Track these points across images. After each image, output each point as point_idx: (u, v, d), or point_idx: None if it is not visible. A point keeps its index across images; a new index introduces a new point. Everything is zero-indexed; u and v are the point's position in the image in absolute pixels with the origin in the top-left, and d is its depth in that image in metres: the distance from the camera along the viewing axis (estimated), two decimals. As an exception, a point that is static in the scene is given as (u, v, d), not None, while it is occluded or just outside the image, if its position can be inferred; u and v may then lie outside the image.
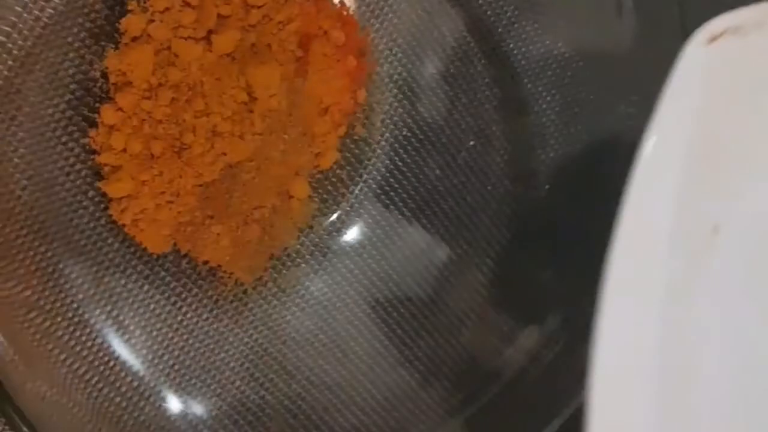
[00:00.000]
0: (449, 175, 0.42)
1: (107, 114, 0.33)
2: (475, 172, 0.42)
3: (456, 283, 0.41)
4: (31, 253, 0.33)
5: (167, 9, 0.33)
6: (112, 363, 0.35)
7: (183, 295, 0.37)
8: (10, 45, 0.31)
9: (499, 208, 0.42)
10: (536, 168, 0.41)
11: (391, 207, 0.41)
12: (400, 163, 0.41)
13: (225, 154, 0.35)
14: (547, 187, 0.40)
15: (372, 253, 0.40)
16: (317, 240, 0.39)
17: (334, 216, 0.39)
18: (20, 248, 0.33)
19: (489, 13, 0.40)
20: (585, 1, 0.37)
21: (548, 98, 0.40)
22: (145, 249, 0.35)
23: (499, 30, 0.41)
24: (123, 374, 0.35)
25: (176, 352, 0.37)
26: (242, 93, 0.34)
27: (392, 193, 0.41)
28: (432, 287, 0.41)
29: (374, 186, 0.41)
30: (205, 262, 0.37)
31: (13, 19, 0.31)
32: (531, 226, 0.40)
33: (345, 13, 0.37)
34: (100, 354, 0.35)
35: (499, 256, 0.41)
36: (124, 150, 0.33)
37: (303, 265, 0.39)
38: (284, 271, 0.39)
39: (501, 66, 0.41)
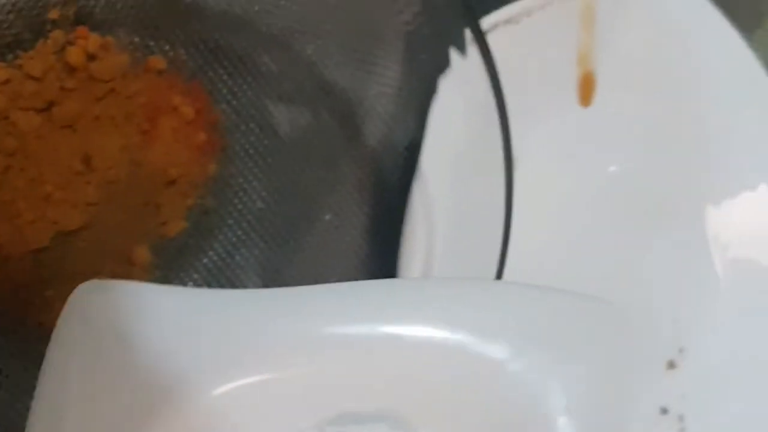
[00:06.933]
0: (304, 248, 0.42)
1: (-62, 178, 0.33)
2: (330, 247, 0.42)
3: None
4: None
5: (8, 81, 0.34)
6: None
7: (17, 356, 0.37)
8: None
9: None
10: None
11: (241, 278, 0.41)
12: (253, 235, 0.41)
13: (56, 222, 0.35)
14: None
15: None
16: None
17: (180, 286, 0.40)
18: None
19: (348, 97, 0.41)
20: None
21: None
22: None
23: (359, 114, 0.41)
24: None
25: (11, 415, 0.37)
26: (78, 163, 0.35)
27: (243, 264, 0.41)
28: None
29: (225, 256, 0.41)
30: (39, 324, 0.37)
31: None
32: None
33: (197, 89, 0.38)
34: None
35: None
36: (-45, 214, 0.34)
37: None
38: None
39: (362, 145, 0.42)
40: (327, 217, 0.42)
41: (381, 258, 0.43)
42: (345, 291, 0.29)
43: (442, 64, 0.38)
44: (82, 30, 0.35)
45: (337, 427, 0.26)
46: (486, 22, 0.39)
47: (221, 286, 0.41)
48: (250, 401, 0.26)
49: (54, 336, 0.27)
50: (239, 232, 0.41)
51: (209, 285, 0.41)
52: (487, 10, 0.41)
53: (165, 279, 0.40)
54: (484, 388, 0.27)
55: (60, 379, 0.27)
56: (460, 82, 0.38)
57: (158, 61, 0.37)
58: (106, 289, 0.28)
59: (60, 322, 0.27)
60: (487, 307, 0.29)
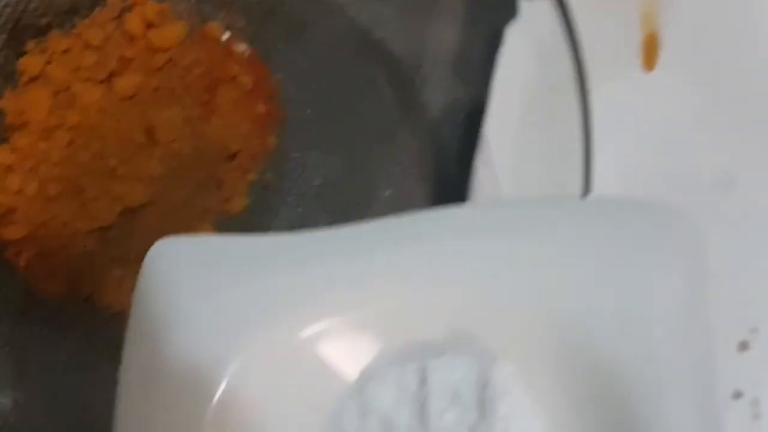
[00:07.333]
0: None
1: (2, 155, 0.32)
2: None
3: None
4: None
5: (67, 50, 0.33)
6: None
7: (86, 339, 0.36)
8: None
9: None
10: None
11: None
12: (313, 212, 0.40)
13: (123, 197, 0.34)
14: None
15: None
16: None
17: (244, 262, 0.39)
18: None
19: (406, 64, 0.40)
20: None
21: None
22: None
23: (417, 82, 0.40)
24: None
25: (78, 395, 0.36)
26: (142, 136, 0.34)
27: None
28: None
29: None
30: (108, 307, 0.36)
31: None
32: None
33: (255, 58, 0.37)
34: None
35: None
36: (20, 191, 0.33)
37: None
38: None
39: (420, 115, 0.41)
40: (387, 192, 0.41)
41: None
42: (414, 219, 0.28)
43: (509, 15, 0.36)
44: (139, -5, 0.34)
45: (418, 361, 0.24)
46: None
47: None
48: (333, 341, 0.25)
49: (135, 298, 0.26)
50: (299, 209, 0.40)
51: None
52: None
53: (230, 257, 0.38)
54: (570, 308, 0.25)
55: (148, 339, 0.25)
56: (529, 32, 0.37)
57: (216, 28, 0.36)
58: (181, 243, 0.27)
59: (139, 283, 0.26)
60: (566, 221, 0.27)
